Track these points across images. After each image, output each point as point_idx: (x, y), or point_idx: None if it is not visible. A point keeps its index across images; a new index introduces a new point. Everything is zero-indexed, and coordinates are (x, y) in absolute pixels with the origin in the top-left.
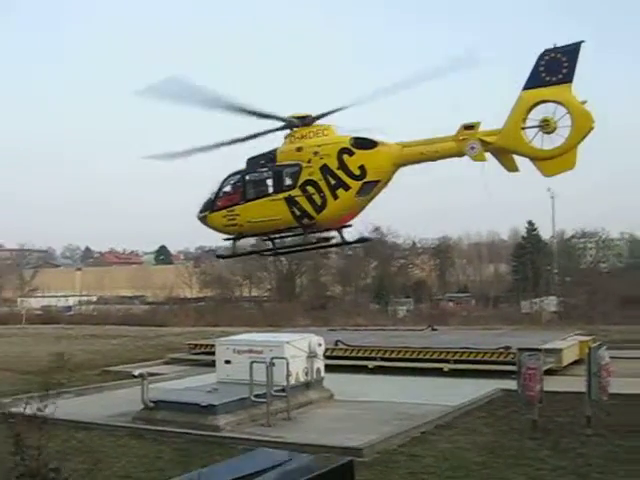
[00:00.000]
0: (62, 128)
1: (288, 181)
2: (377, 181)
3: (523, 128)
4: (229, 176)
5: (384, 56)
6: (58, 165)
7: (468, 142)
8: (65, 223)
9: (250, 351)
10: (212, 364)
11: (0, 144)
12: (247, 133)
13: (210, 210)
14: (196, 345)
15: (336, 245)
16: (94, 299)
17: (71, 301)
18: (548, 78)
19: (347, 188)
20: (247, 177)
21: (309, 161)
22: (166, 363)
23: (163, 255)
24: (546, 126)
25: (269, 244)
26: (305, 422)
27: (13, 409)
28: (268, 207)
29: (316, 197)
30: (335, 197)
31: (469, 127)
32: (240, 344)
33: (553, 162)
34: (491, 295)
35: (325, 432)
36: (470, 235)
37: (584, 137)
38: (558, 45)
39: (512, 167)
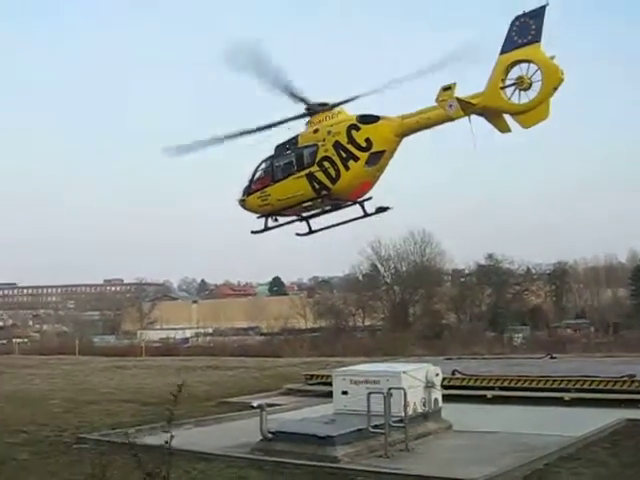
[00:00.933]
0: (173, 168)
1: (308, 160)
2: (383, 151)
3: (502, 88)
4: (261, 162)
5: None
6: (170, 205)
7: (447, 101)
8: (181, 257)
9: (367, 381)
10: (329, 395)
11: (115, 185)
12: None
13: (247, 194)
14: (312, 376)
15: (358, 218)
16: (210, 331)
17: (188, 333)
18: (520, 41)
19: (356, 159)
20: (275, 161)
21: (324, 140)
22: (283, 394)
23: (277, 286)
24: (521, 83)
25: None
26: (423, 453)
27: (137, 440)
28: (293, 184)
29: (331, 170)
30: (347, 168)
31: (447, 88)
32: (357, 375)
33: (529, 114)
34: (610, 321)
35: (444, 464)
36: (586, 259)
37: (555, 88)
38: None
39: (504, 128)
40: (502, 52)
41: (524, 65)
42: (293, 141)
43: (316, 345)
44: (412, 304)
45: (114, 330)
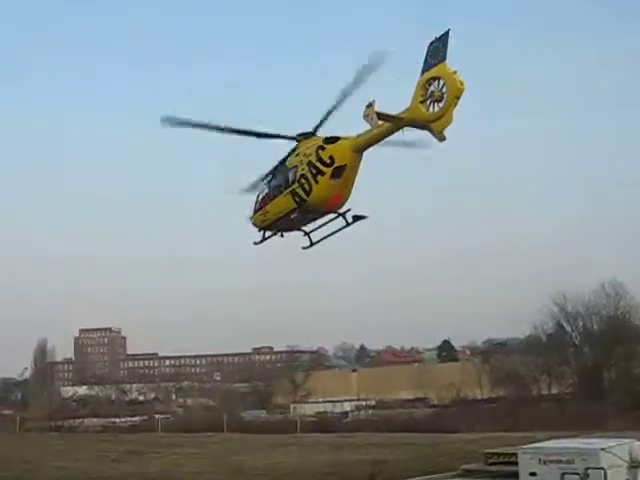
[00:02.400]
0: None
1: (292, 179)
2: (344, 165)
3: (421, 102)
4: (264, 184)
5: None
6: (321, 268)
7: (370, 116)
8: (337, 321)
9: (559, 461)
10: (513, 476)
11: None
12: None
13: (254, 212)
14: (494, 454)
15: (342, 228)
16: (373, 403)
17: (347, 406)
18: (432, 62)
19: (323, 174)
20: (271, 182)
21: (301, 161)
22: (459, 476)
23: (446, 351)
24: (432, 96)
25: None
26: None
27: None
28: (282, 200)
29: (305, 185)
30: (316, 182)
31: (369, 105)
32: (547, 453)
33: (440, 121)
34: None
35: None
36: None
37: (457, 97)
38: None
39: (440, 137)
40: (422, 72)
41: (437, 81)
42: (283, 164)
43: (495, 418)
44: (607, 367)
45: (265, 403)
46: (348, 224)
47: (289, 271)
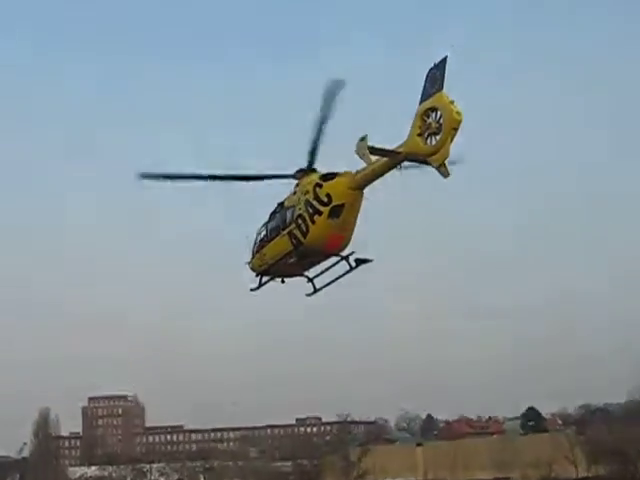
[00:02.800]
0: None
1: (289, 219)
2: (342, 204)
3: (419, 134)
4: (261, 227)
5: None
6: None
7: (362, 151)
8: (398, 386)
9: None
10: None
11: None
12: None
13: (252, 256)
14: None
15: (346, 273)
16: None
17: None
18: (430, 91)
19: (320, 213)
20: (268, 224)
21: (299, 200)
22: None
23: (532, 420)
24: (430, 128)
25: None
26: None
27: None
28: (279, 243)
29: (302, 226)
30: (313, 222)
31: (362, 139)
32: None
33: (437, 155)
34: None
35: None
36: None
37: (454, 129)
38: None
39: (444, 172)
40: (420, 102)
41: (438, 112)
42: (281, 203)
43: None
44: None
45: None
46: (352, 268)
47: (337, 325)
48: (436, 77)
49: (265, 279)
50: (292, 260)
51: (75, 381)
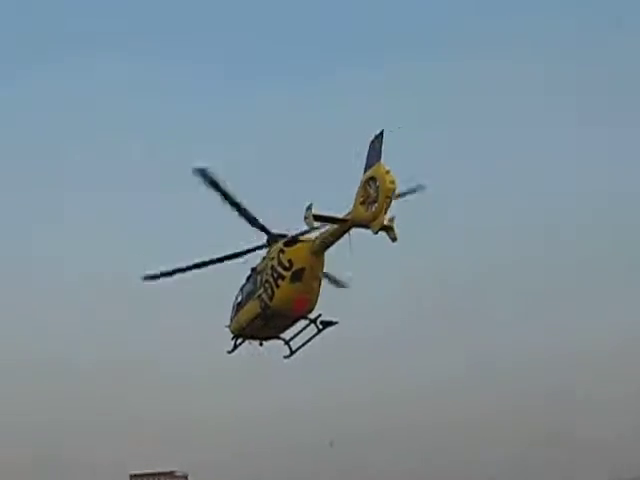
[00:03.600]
0: None
1: (258, 284)
2: (302, 268)
3: (362, 203)
4: (238, 291)
5: None
6: None
7: (308, 218)
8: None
9: None
10: None
11: None
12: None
13: (231, 320)
14: None
15: (315, 335)
16: None
17: None
18: (371, 162)
19: (283, 278)
20: (243, 289)
21: (266, 265)
22: None
23: None
24: (369, 197)
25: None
26: None
27: None
28: (251, 306)
29: (269, 290)
30: (277, 286)
31: (308, 208)
32: None
33: (375, 222)
34: None
35: None
36: None
37: (388, 196)
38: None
39: (392, 236)
40: (364, 171)
41: (376, 182)
42: (253, 270)
43: None
44: None
45: None
46: (319, 330)
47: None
48: (375, 147)
49: (240, 341)
50: (262, 323)
51: (115, 453)
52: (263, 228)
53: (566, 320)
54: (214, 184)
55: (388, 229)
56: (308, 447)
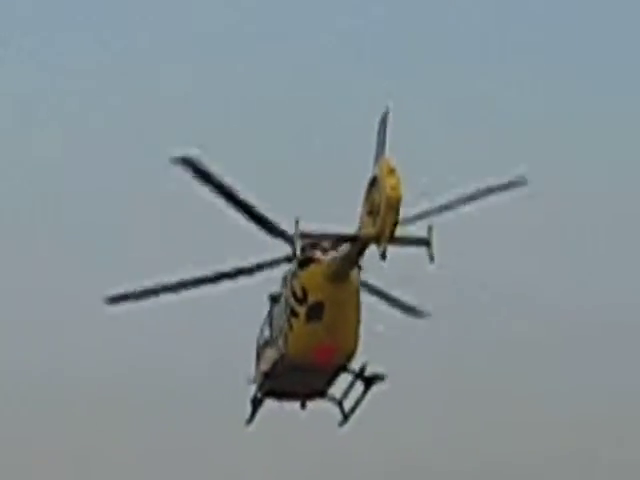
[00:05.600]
0: None
1: (275, 321)
2: (321, 302)
3: (369, 213)
4: (260, 328)
5: None
6: None
7: (295, 234)
8: None
9: None
10: None
11: None
12: None
13: (255, 370)
14: None
15: (364, 393)
16: None
17: None
18: (379, 151)
19: (296, 315)
20: (264, 326)
21: (283, 294)
22: None
23: None
24: (374, 205)
25: None
26: None
27: None
28: (269, 353)
29: (283, 330)
30: (291, 327)
31: (296, 222)
32: None
33: (381, 238)
34: None
35: None
36: None
37: (391, 207)
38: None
39: (429, 256)
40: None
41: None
42: (273, 299)
43: None
44: None
45: None
46: (366, 388)
47: None
48: (379, 135)
49: (260, 402)
50: (287, 376)
51: None
52: (283, 234)
53: None
54: (204, 175)
55: (424, 243)
56: None
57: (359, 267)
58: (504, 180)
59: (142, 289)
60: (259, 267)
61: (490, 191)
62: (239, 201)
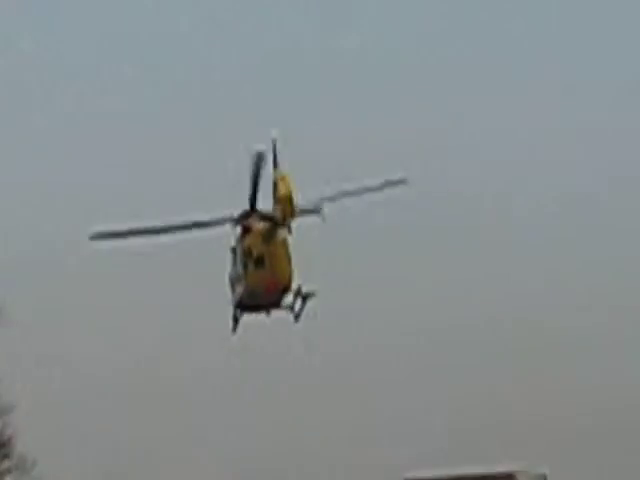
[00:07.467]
0: None
1: (239, 266)
2: (262, 255)
3: (276, 203)
4: (230, 268)
5: None
6: None
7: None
8: None
9: None
10: None
11: None
12: None
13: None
14: None
15: (301, 308)
16: None
17: None
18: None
19: (247, 265)
20: (232, 267)
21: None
22: None
23: None
24: (276, 199)
25: None
26: None
27: None
28: (239, 288)
29: (242, 274)
30: (246, 273)
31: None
32: None
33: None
34: None
35: None
36: None
37: (285, 200)
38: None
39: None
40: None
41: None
42: (234, 251)
43: None
44: None
45: None
46: (304, 302)
47: None
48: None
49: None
50: (249, 298)
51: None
52: (219, 223)
53: None
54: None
55: (316, 212)
56: None
57: (289, 229)
58: (383, 180)
59: (127, 228)
60: (211, 223)
61: (369, 190)
62: (162, 229)
